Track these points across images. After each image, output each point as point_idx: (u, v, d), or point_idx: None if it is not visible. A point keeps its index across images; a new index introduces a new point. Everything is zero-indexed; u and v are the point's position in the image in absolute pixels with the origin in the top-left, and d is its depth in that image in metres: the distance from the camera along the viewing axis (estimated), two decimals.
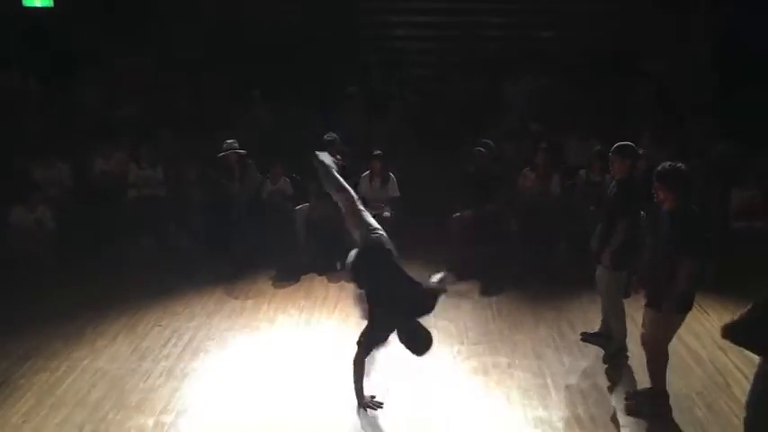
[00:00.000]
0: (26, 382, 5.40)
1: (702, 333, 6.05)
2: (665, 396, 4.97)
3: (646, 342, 4.94)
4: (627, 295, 5.59)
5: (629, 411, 4.96)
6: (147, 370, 5.58)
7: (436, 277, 5.08)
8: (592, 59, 10.26)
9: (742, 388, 5.25)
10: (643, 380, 5.28)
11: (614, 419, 4.93)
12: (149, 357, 5.75)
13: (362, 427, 4.83)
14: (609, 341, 5.83)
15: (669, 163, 4.78)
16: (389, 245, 4.98)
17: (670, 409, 4.93)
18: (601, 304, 5.95)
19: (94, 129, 9.32)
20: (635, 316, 5.72)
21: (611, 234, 5.51)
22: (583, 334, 6.09)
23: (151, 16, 10.24)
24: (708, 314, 6.34)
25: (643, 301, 4.97)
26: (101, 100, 9.96)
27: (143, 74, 10.17)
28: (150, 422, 4.88)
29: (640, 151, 7.81)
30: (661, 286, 4.70)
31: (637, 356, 5.62)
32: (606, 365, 5.61)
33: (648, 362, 4.99)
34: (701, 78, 9.74)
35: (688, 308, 4.79)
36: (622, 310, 5.71)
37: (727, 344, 5.56)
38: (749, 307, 3.68)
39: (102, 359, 5.77)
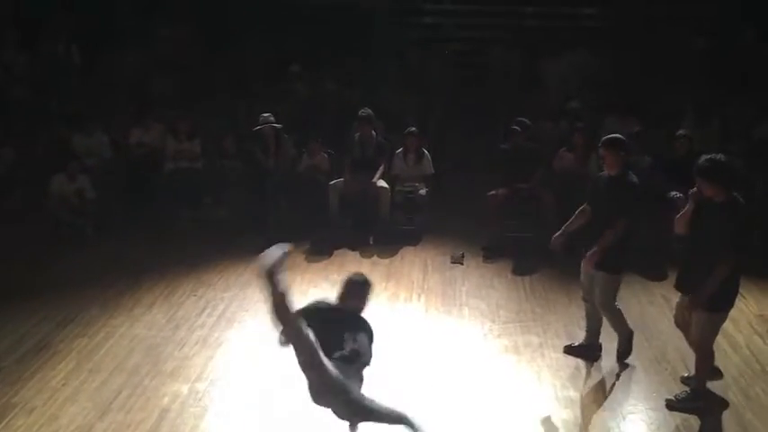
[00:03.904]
0: (66, 347, 5.53)
1: (739, 318, 5.89)
2: (705, 394, 4.76)
3: (693, 344, 4.73)
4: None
5: (670, 407, 4.71)
6: (182, 338, 5.68)
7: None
8: (636, 36, 10.03)
9: None
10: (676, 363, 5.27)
11: (646, 400, 4.89)
12: (184, 326, 5.85)
13: (393, 401, 4.85)
14: (594, 352, 5.39)
15: (707, 157, 4.39)
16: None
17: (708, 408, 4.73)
18: (585, 311, 5.42)
19: (133, 100, 9.42)
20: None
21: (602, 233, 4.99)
22: (566, 347, 5.49)
23: None
24: (745, 298, 6.19)
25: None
26: (140, 71, 10.05)
27: (183, 46, 10.23)
28: (185, 389, 4.97)
29: (680, 132, 7.74)
30: (704, 283, 4.40)
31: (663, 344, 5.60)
32: (639, 347, 5.54)
33: (697, 361, 4.73)
34: (746, 56, 9.48)
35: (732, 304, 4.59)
36: (620, 313, 5.26)
37: (764, 329, 5.52)
38: None
39: (139, 326, 5.88)
